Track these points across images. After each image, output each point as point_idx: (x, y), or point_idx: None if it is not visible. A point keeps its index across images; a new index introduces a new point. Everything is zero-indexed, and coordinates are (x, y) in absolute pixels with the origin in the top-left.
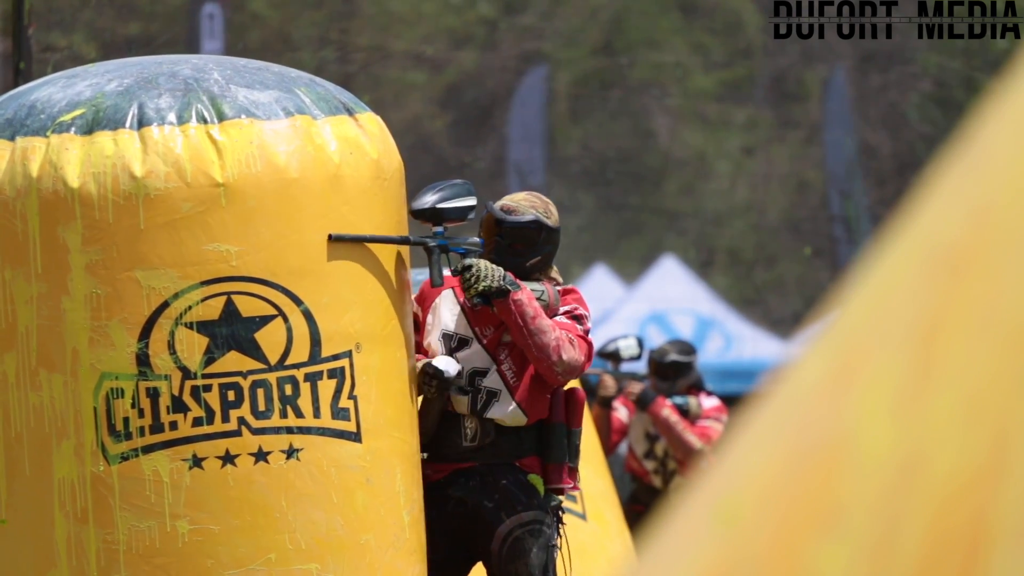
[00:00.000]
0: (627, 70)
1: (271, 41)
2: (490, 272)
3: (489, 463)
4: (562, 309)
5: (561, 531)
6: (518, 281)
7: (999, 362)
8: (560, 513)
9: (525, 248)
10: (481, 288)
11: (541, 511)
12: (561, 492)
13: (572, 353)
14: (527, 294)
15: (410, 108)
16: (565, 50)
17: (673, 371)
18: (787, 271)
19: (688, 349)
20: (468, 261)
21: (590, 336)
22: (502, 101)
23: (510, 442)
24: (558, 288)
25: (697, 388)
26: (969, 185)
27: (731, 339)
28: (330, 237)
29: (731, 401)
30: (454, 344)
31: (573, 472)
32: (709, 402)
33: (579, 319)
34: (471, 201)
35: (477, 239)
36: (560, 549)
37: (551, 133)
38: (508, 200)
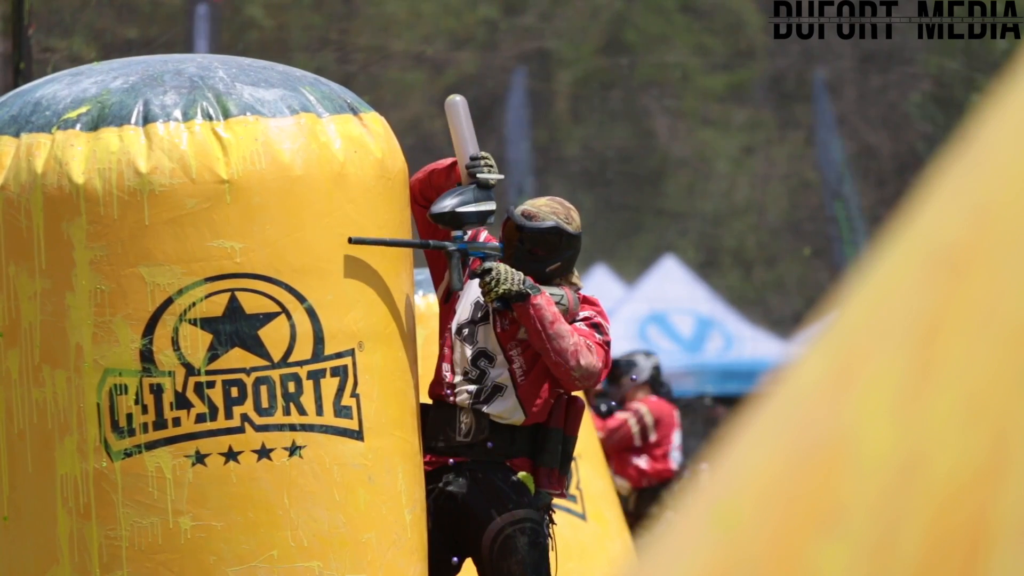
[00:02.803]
0: (627, 70)
1: (270, 41)
2: (510, 276)
3: (480, 460)
4: (580, 315)
5: (552, 530)
6: (538, 285)
7: (999, 362)
8: (551, 512)
9: (545, 253)
10: (501, 292)
11: (532, 509)
12: (550, 494)
13: (590, 359)
14: (546, 298)
15: (410, 108)
16: (566, 50)
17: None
18: (787, 271)
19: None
20: (488, 265)
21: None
22: (502, 101)
23: (503, 441)
24: (578, 294)
25: (653, 387)
26: (969, 185)
27: (731, 339)
28: (350, 240)
29: (731, 401)
30: (480, 315)
31: (562, 479)
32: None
33: (598, 327)
34: (490, 205)
35: (497, 243)
36: (551, 549)
37: (549, 133)
38: (529, 205)
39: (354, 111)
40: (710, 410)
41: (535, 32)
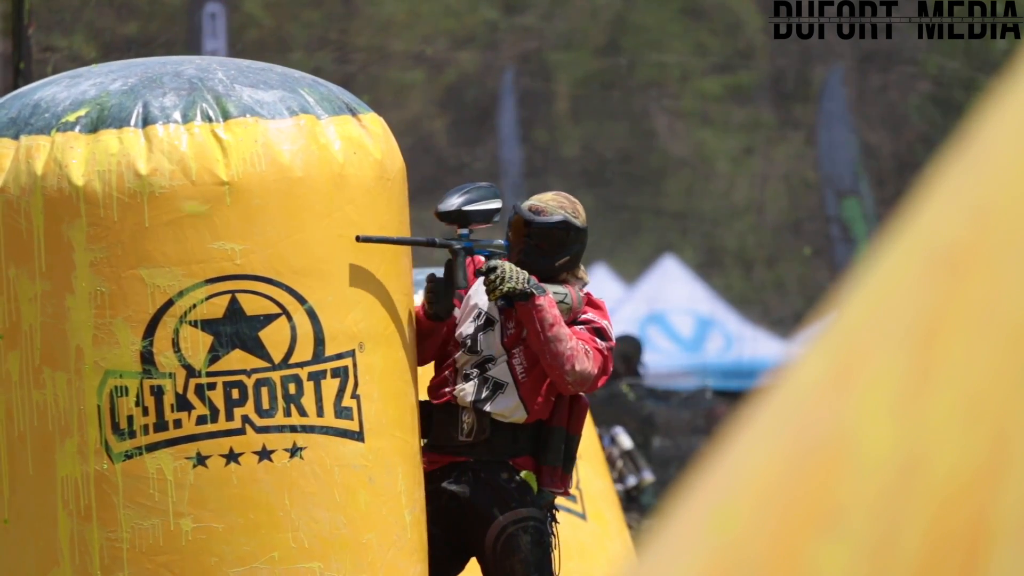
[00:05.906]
0: (627, 70)
1: (269, 41)
2: (514, 274)
3: (483, 459)
4: (583, 317)
5: (555, 528)
6: (543, 285)
7: (999, 362)
8: (554, 510)
9: (553, 248)
10: (505, 290)
11: (535, 508)
12: (553, 492)
13: (585, 364)
14: (549, 300)
15: (409, 108)
16: (565, 51)
17: None
18: (787, 271)
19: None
20: (493, 263)
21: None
22: (500, 101)
23: (505, 440)
24: (583, 292)
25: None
26: (969, 185)
27: (731, 339)
28: (357, 238)
29: (731, 400)
30: (482, 322)
31: (565, 478)
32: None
33: (600, 332)
34: (496, 204)
35: (502, 241)
36: (554, 547)
37: (549, 133)
38: (536, 200)
39: (353, 112)
40: (710, 409)
41: (535, 32)
